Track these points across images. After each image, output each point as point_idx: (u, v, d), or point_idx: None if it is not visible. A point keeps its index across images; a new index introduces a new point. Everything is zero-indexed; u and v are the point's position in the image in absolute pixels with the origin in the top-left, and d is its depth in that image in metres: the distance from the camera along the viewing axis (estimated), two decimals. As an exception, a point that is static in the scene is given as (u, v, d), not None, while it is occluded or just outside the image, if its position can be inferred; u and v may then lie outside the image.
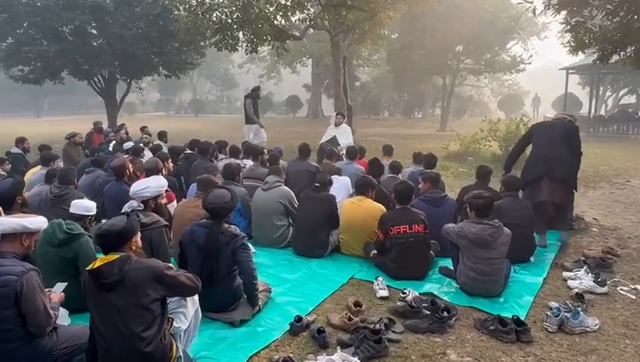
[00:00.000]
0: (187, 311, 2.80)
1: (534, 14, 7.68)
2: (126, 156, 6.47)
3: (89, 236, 3.63)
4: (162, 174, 5.04)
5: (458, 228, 3.89)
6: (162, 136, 9.47)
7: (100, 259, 2.44)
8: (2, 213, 3.08)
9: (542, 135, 5.45)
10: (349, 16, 11.01)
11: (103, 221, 5.06)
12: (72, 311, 3.32)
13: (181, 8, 12.16)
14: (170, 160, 6.10)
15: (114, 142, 9.69)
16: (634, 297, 3.93)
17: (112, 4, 14.65)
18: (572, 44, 8.82)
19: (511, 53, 24.08)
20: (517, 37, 23.12)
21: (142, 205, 3.64)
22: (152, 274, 2.47)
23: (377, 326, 3.19)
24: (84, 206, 3.74)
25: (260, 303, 3.61)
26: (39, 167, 6.67)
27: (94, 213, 3.83)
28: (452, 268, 4.27)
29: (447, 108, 23.11)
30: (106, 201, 5.18)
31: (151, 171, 4.92)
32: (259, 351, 3.09)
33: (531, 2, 7.67)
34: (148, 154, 8.01)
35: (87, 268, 2.46)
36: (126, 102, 18.75)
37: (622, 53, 8.41)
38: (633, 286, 4.11)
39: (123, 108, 18.53)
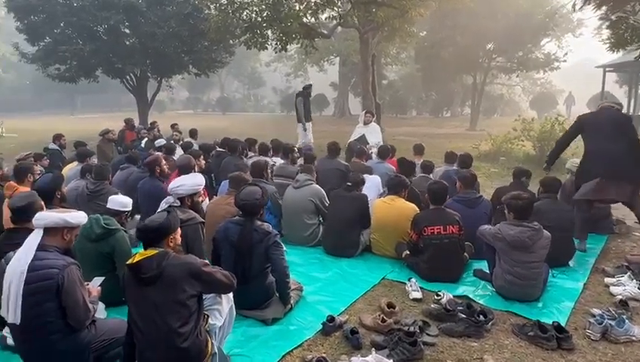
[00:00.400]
0: (222, 308, 2.80)
1: (574, 9, 7.41)
2: (158, 153, 6.56)
3: (125, 231, 3.70)
4: (195, 171, 5.07)
5: (495, 230, 3.78)
6: (193, 133, 9.58)
7: (140, 254, 2.46)
8: (44, 208, 3.15)
9: (594, 129, 4.96)
10: (379, 13, 10.90)
11: (137, 217, 5.22)
12: (108, 304, 3.38)
13: (212, 7, 12.28)
14: (202, 157, 6.16)
15: (146, 139, 9.89)
16: (682, 306, 3.74)
17: (145, 4, 14.94)
18: (612, 40, 8.50)
19: (544, 50, 23.42)
20: (551, 34, 22.45)
21: (178, 201, 3.67)
22: (189, 271, 2.48)
23: (412, 329, 3.13)
24: (121, 202, 3.80)
25: (291, 301, 3.60)
26: (75, 163, 6.85)
27: (130, 208, 3.89)
28: (487, 270, 4.17)
29: (477, 107, 22.67)
30: (139, 197, 5.26)
31: (184, 168, 4.97)
32: (292, 350, 3.07)
33: (571, -3, 7.40)
34: (179, 152, 8.13)
35: (127, 263, 2.48)
36: (156, 100, 19.10)
37: (666, 51, 8.07)
38: (681, 294, 3.90)
39: (153, 107, 18.89)
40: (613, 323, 3.23)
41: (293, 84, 43.18)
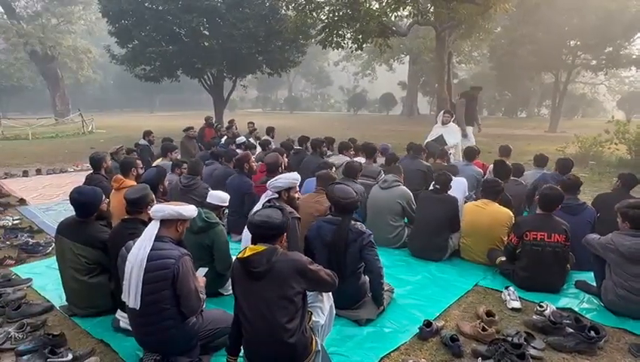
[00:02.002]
0: (323, 306, 2.81)
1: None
2: (247, 151, 6.76)
3: (223, 225, 3.83)
4: (282, 168, 5.16)
5: (606, 241, 3.50)
6: (270, 131, 9.80)
7: (250, 249, 2.52)
8: (155, 201, 3.33)
9: None
10: (461, 10, 10.54)
11: (226, 212, 5.39)
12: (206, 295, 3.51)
13: (290, 7, 12.49)
14: (285, 155, 6.26)
15: (225, 136, 10.24)
16: None
17: (224, 6, 15.51)
18: None
19: (635, 46, 21.60)
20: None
21: (276, 195, 3.75)
22: (296, 268, 2.50)
23: (517, 340, 2.96)
24: (221, 197, 3.94)
25: (384, 303, 3.55)
26: (160, 158, 7.23)
27: (227, 203, 4.02)
28: (591, 283, 3.88)
29: (558, 108, 21.35)
30: (228, 192, 5.43)
31: (272, 165, 5.07)
32: (389, 353, 3.02)
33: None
34: (259, 149, 8.35)
35: (238, 256, 2.55)
36: (226, 99, 19.83)
37: None
38: None
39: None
40: None
41: (361, 83, 43.13)
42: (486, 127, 22.09)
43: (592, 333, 3.08)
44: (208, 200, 3.90)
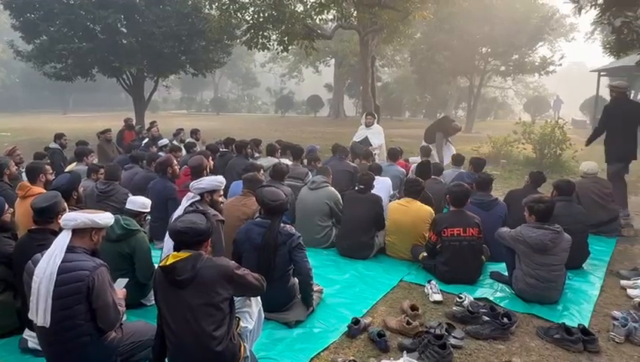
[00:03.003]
0: (252, 311, 2.77)
1: (579, 13, 7.48)
2: (170, 154, 6.49)
3: (144, 232, 3.65)
4: (206, 172, 5.02)
5: (515, 233, 3.79)
6: (194, 133, 9.50)
7: (173, 256, 2.41)
8: (67, 209, 3.08)
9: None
10: (383, 15, 10.90)
11: (148, 218, 5.15)
12: (126, 307, 3.32)
13: (213, 7, 12.20)
14: (210, 157, 6.10)
15: (147, 139, 9.79)
16: (700, 308, 3.76)
17: (144, 3, 14.80)
18: (613, 45, 8.60)
19: (538, 54, 23.66)
20: (546, 38, 22.67)
21: (198, 197, 3.63)
22: (223, 273, 2.44)
23: (439, 331, 3.11)
24: (142, 202, 3.74)
25: (313, 304, 3.56)
26: (75, 163, 6.75)
27: (149, 209, 3.83)
28: (503, 273, 4.18)
29: (473, 110, 22.79)
30: (149, 197, 5.19)
31: (196, 168, 4.91)
32: (319, 353, 3.04)
33: (577, 2, 7.47)
34: (183, 152, 8.07)
35: (160, 264, 2.44)
36: (148, 100, 18.96)
37: (668, 56, 8.16)
38: (697, 297, 3.94)
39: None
40: (636, 325, 3.24)
41: (288, 84, 43.19)
42: (408, 128, 23.21)
43: (505, 320, 3.31)
44: (128, 206, 3.69)
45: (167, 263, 2.40)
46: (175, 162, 5.31)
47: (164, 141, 8.48)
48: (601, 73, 19.94)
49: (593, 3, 7.35)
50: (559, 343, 3.15)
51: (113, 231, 3.42)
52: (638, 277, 4.19)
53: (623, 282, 4.21)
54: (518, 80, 31.99)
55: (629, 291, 4.01)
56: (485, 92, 31.59)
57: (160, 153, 7.62)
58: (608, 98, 6.75)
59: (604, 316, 3.62)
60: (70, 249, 2.52)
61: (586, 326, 3.37)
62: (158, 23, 14.42)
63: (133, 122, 12.06)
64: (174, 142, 8.97)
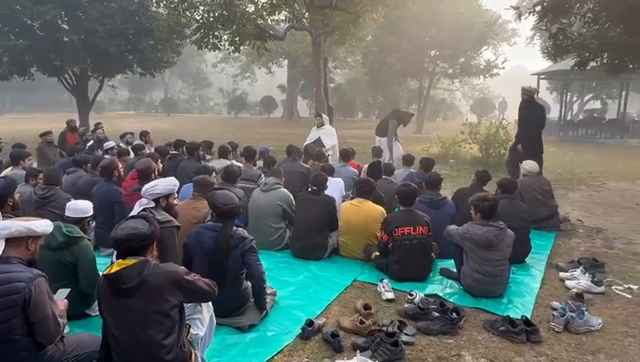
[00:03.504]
0: (203, 317, 2.71)
1: (519, 19, 7.86)
2: (114, 157, 6.25)
3: (88, 239, 3.48)
4: (155, 175, 4.86)
5: (463, 230, 3.92)
6: (143, 135, 9.20)
7: (118, 264, 2.32)
8: (1, 217, 2.89)
9: None
10: (334, 17, 11.00)
11: (93, 224, 4.92)
12: (69, 318, 3.16)
13: (161, 5, 11.86)
14: (160, 160, 5.92)
15: (91, 141, 9.36)
16: (629, 296, 4.05)
17: (86, -1, 14.17)
18: (551, 50, 9.10)
19: (482, 57, 24.69)
20: (490, 42, 23.69)
21: (153, 203, 3.50)
22: (171, 279, 2.37)
23: (391, 329, 3.16)
24: (82, 208, 3.54)
25: (267, 307, 3.53)
26: (10, 168, 6.36)
27: (92, 213, 3.64)
28: (452, 269, 4.31)
29: (423, 111, 23.45)
30: (94, 202, 4.95)
31: (144, 172, 4.75)
32: (272, 357, 3.01)
33: (517, 8, 7.85)
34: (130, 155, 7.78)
35: (104, 273, 2.33)
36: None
37: (598, 60, 8.74)
38: (627, 286, 4.23)
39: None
40: (574, 315, 3.43)
41: (241, 85, 42.71)
42: (361, 128, 23.53)
43: (454, 315, 3.42)
44: (68, 213, 3.49)
45: (112, 271, 2.30)
46: (120, 165, 5.11)
47: (111, 143, 8.14)
48: (541, 76, 21.09)
49: (532, 10, 7.75)
50: (504, 335, 3.29)
51: (54, 239, 3.24)
52: (575, 269, 4.44)
53: (562, 274, 4.45)
54: (465, 82, 33.23)
55: (567, 282, 4.25)
56: (434, 93, 32.59)
57: (106, 156, 7.31)
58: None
59: (545, 307, 3.81)
60: (4, 260, 2.37)
61: (529, 317, 3.53)
62: (102, 21, 13.85)
63: (77, 123, 11.50)
64: (121, 144, 8.64)
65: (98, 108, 34.42)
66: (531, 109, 7.56)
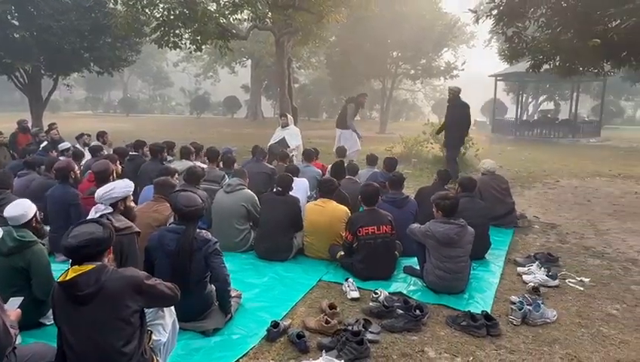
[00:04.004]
0: (165, 323, 2.64)
1: (477, 22, 8.09)
2: (70, 158, 6.01)
3: (42, 244, 3.33)
4: (113, 177, 4.70)
5: (425, 228, 4.00)
6: (101, 135, 8.89)
7: (73, 270, 2.23)
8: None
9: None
10: (297, 17, 10.98)
11: (47, 228, 4.71)
12: (21, 328, 3.01)
13: (119, 1, 11.49)
14: (118, 162, 5.74)
15: (45, 142, 8.98)
16: (581, 288, 4.24)
17: (39, -6, 13.56)
18: (507, 52, 9.41)
19: (443, 59, 25.32)
20: (450, 44, 24.31)
21: (110, 208, 3.37)
22: (131, 285, 2.30)
23: (356, 328, 3.19)
24: (20, 213, 3.20)
25: (231, 310, 3.49)
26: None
27: (34, 212, 3.37)
28: (416, 267, 4.39)
29: (386, 111, 23.79)
30: (48, 205, 4.78)
31: (101, 174, 4.58)
32: (238, 360, 2.98)
33: (475, 12, 8.08)
34: (87, 156, 7.52)
35: (59, 280, 2.24)
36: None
37: (551, 63, 9.12)
38: (579, 279, 4.43)
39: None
40: (531, 308, 3.57)
41: (203, 85, 42.03)
42: (325, 129, 23.61)
43: (418, 312, 3.48)
44: (5, 214, 3.23)
45: (67, 278, 2.21)
46: (76, 167, 4.92)
47: (66, 144, 7.83)
48: (498, 78, 21.79)
49: (489, 14, 7.99)
50: (466, 330, 3.38)
51: (4, 244, 3.09)
52: (531, 264, 4.61)
53: (519, 269, 4.62)
54: (427, 83, 33.99)
55: (525, 277, 4.41)
56: (397, 94, 33.16)
57: (61, 158, 7.02)
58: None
59: (504, 301, 3.94)
60: (-51, 268, 2.23)
61: (489, 312, 3.64)
62: (55, 17, 13.27)
63: (29, 124, 11.00)
64: (77, 145, 8.32)
65: (53, 107, 33.08)
66: (456, 107, 8.57)
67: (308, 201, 5.43)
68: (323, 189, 4.86)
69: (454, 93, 8.55)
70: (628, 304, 3.94)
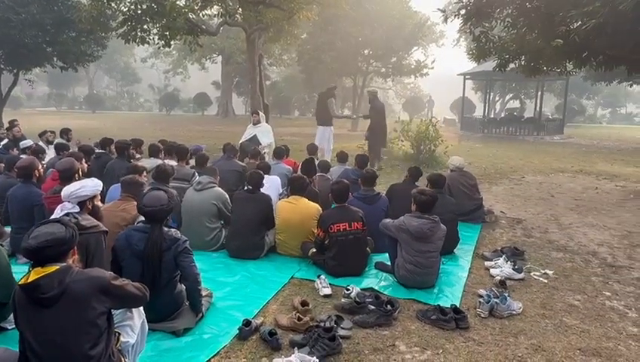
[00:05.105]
0: (134, 324, 2.58)
1: (446, 22, 8.23)
2: (34, 157, 5.79)
3: (1, 245, 3.21)
4: (78, 175, 4.57)
5: (399, 222, 4.05)
6: (65, 133, 8.62)
7: (35, 272, 2.15)
8: None
9: None
10: (267, 14, 10.91)
11: (7, 229, 4.54)
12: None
13: (83, -6, 11.15)
14: (84, 160, 5.58)
15: (6, 140, 8.65)
16: (545, 281, 4.38)
17: (-3, -15, 13.02)
18: (475, 52, 9.61)
19: (413, 57, 25.65)
20: (420, 43, 24.63)
21: (77, 207, 3.27)
22: (97, 286, 2.24)
23: (328, 324, 3.20)
24: None
25: (202, 309, 3.45)
26: None
27: None
28: (387, 263, 4.44)
29: (357, 109, 23.91)
30: (10, 205, 4.62)
31: (66, 172, 4.44)
32: (209, 360, 2.95)
33: (444, 11, 8.21)
34: (50, 154, 7.29)
35: (20, 283, 2.16)
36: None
37: (516, 62, 9.37)
38: (543, 271, 4.58)
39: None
40: (497, 301, 3.67)
41: (173, 81, 41.27)
42: (297, 126, 23.59)
43: (389, 307, 3.52)
44: None
45: (29, 280, 2.14)
46: (40, 165, 4.75)
47: (28, 142, 7.56)
48: (466, 77, 22.24)
49: (457, 13, 8.14)
50: (435, 323, 3.44)
51: (-40, 248, 2.96)
52: (498, 258, 4.74)
53: (487, 263, 4.73)
54: (397, 81, 34.38)
55: (492, 271, 4.52)
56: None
57: (22, 156, 6.77)
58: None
59: (472, 295, 4.03)
60: None
61: (458, 305, 3.72)
62: (15, 9, 12.79)
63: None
64: (40, 143, 8.05)
65: (14, 104, 31.85)
66: (374, 108, 10.60)
67: (280, 199, 5.41)
68: (294, 187, 4.85)
69: (372, 95, 11.02)
70: (589, 295, 4.10)
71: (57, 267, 2.17)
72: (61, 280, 2.15)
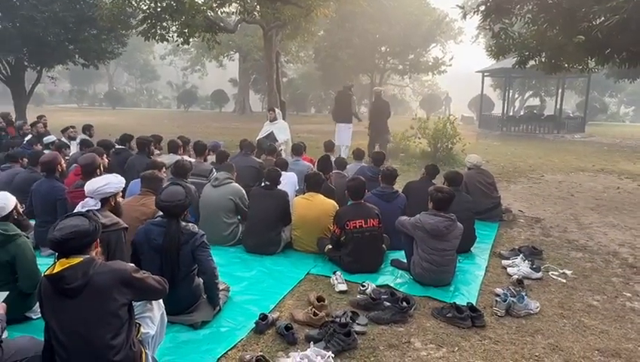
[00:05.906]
0: (154, 316, 2.65)
1: (464, 18, 8.14)
2: (57, 152, 5.94)
3: (27, 237, 3.30)
4: (100, 170, 4.67)
5: (415, 220, 4.04)
6: (87, 129, 8.79)
7: (61, 263, 2.22)
8: None
9: None
10: (285, 11, 10.93)
11: (32, 222, 4.66)
12: (8, 322, 2.99)
13: (104, -8, 11.34)
14: (105, 155, 5.69)
15: (29, 135, 8.86)
16: (564, 281, 4.33)
17: (21, -16, 13.31)
18: (494, 48, 9.49)
19: (431, 54, 25.43)
20: (438, 40, 24.41)
21: (99, 204, 3.34)
22: (119, 278, 2.30)
23: (344, 320, 3.22)
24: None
25: (219, 303, 3.50)
26: None
27: (14, 204, 3.33)
28: (403, 260, 4.44)
29: (374, 107, 23.81)
30: (34, 200, 4.74)
31: (88, 167, 4.54)
32: (226, 352, 3.00)
33: (463, 7, 8.13)
34: (73, 149, 7.45)
35: (45, 273, 2.23)
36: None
37: (537, 59, 9.21)
38: (562, 271, 4.53)
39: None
40: (514, 299, 3.64)
41: (191, 78, 41.66)
42: (314, 123, 23.61)
43: (404, 304, 3.52)
44: None
45: (54, 271, 2.20)
46: (63, 160, 4.87)
47: (51, 138, 7.75)
48: (485, 74, 21.94)
49: (476, 10, 8.05)
50: (451, 321, 3.44)
51: (-12, 239, 3.05)
52: (516, 256, 4.70)
53: (504, 262, 4.70)
54: (415, 78, 34.13)
55: (509, 269, 4.49)
56: (385, 89, 33.20)
57: (45, 151, 6.94)
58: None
59: (489, 293, 4.01)
60: None
61: (474, 304, 3.70)
62: (39, 7, 13.05)
63: (13, 117, 10.84)
64: (63, 139, 8.23)
65: (36, 100, 32.57)
66: (379, 104, 11.18)
67: (297, 195, 5.44)
68: (310, 183, 4.88)
69: (377, 93, 11.84)
70: (608, 295, 4.04)
71: (81, 259, 2.24)
72: (85, 272, 2.21)
